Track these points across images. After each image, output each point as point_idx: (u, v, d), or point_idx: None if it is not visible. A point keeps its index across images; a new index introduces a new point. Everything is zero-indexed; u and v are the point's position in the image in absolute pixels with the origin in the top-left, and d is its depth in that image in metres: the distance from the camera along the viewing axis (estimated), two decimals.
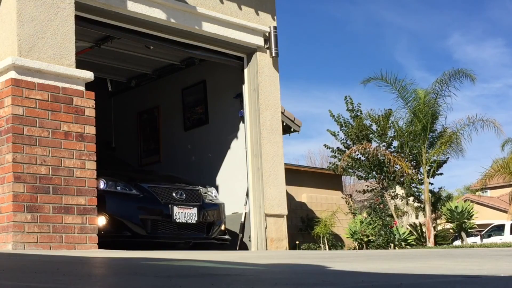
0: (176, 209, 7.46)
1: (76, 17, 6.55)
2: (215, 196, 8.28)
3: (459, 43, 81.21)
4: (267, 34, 8.64)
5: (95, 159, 6.32)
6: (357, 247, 13.37)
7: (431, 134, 14.55)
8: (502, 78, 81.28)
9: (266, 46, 8.66)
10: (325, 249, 13.17)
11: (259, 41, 8.57)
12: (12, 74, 5.95)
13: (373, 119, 15.54)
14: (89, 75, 6.42)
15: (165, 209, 7.42)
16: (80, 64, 6.55)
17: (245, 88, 8.75)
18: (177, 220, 7.45)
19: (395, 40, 75.31)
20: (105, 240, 6.72)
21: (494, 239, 24.39)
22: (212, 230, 7.89)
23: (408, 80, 14.48)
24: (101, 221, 6.78)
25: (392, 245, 12.69)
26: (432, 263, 3.55)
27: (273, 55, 8.65)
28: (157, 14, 7.48)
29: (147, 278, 2.61)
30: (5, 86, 5.97)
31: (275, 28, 8.66)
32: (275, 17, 8.85)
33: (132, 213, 7.28)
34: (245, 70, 8.74)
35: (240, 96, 8.94)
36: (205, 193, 8.07)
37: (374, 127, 15.76)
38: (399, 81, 14.09)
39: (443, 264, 3.44)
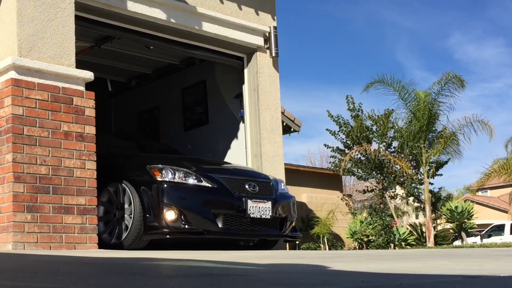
0: (250, 203, 6.85)
1: (76, 17, 6.55)
2: (284, 189, 7.71)
3: (459, 43, 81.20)
4: (267, 34, 8.64)
5: (95, 159, 6.32)
6: (357, 247, 13.37)
7: (431, 134, 14.57)
8: (503, 77, 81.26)
9: (266, 46, 8.67)
10: (325, 249, 13.17)
11: (259, 41, 8.58)
12: (12, 74, 5.95)
13: (373, 120, 15.56)
14: (89, 75, 6.42)
15: (239, 203, 6.81)
16: (80, 64, 6.55)
17: (245, 88, 8.75)
18: (251, 215, 6.83)
19: (396, 40, 75.32)
20: (174, 237, 6.44)
21: (494, 239, 24.39)
22: (285, 226, 7.32)
23: (407, 81, 14.53)
24: (170, 215, 6.38)
25: (392, 245, 12.70)
26: (432, 263, 3.55)
27: (273, 55, 8.66)
28: (157, 14, 7.48)
29: (147, 278, 2.61)
30: (5, 86, 5.97)
31: (275, 28, 8.67)
32: (275, 17, 8.85)
33: (204, 207, 6.67)
34: (245, 70, 8.74)
35: (240, 96, 8.94)
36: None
37: (374, 127, 15.78)
38: (397, 82, 14.11)
39: (443, 264, 3.44)
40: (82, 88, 6.37)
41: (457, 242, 17.89)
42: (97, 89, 6.69)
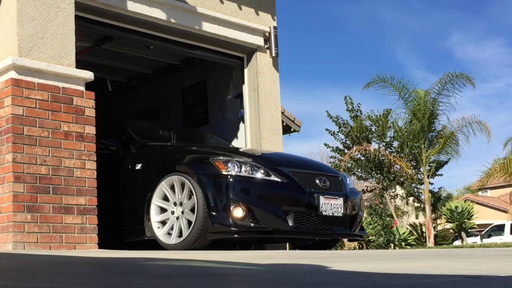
0: (322, 200, 6.32)
1: (76, 17, 6.55)
2: (351, 184, 7.21)
3: (460, 43, 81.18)
4: (267, 34, 8.64)
5: (95, 159, 6.32)
6: (357, 247, 13.36)
7: (431, 134, 14.58)
8: (503, 77, 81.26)
9: (266, 46, 8.67)
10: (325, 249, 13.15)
11: (259, 41, 8.58)
12: (12, 74, 5.95)
13: (373, 120, 15.56)
14: (89, 75, 6.42)
15: (311, 199, 6.27)
16: (80, 64, 6.55)
17: (245, 88, 8.75)
18: (323, 213, 6.32)
19: (396, 40, 75.29)
20: (242, 236, 6.03)
21: (494, 239, 24.42)
22: (355, 225, 6.81)
23: (407, 80, 14.55)
24: (238, 212, 5.91)
25: (392, 245, 12.70)
26: (432, 263, 3.55)
27: (273, 55, 8.66)
28: (157, 14, 7.48)
29: (147, 278, 2.61)
30: (5, 86, 5.97)
31: (275, 28, 8.67)
32: (275, 17, 8.85)
33: (274, 204, 6.13)
34: (245, 70, 8.74)
35: (240, 96, 8.94)
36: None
37: (373, 127, 15.78)
38: (398, 81, 14.12)
39: (443, 264, 3.44)
40: (82, 88, 6.37)
41: (457, 242, 17.90)
42: (97, 89, 6.70)
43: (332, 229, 6.52)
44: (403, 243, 12.88)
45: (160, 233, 6.27)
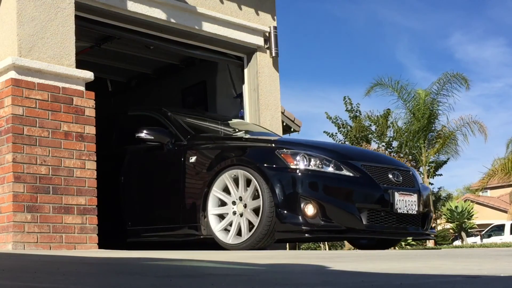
0: (397, 196, 5.86)
1: (76, 17, 6.55)
2: (420, 180, 6.76)
3: (460, 43, 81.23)
4: (267, 34, 8.65)
5: (95, 159, 6.32)
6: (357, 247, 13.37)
7: (430, 134, 14.58)
8: (503, 77, 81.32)
9: (266, 46, 8.67)
10: (325, 249, 13.16)
11: (259, 41, 8.58)
12: (12, 74, 5.96)
13: (372, 120, 15.57)
14: (89, 75, 6.43)
15: (386, 196, 5.80)
16: (80, 64, 6.55)
17: (245, 88, 8.75)
18: (398, 210, 5.86)
19: (396, 40, 75.32)
20: (314, 236, 5.61)
21: (494, 239, 24.42)
22: (427, 223, 6.36)
23: (405, 81, 14.58)
24: (309, 210, 5.44)
25: None
26: (432, 263, 3.56)
27: (273, 55, 8.66)
28: (157, 14, 7.48)
29: (147, 278, 2.61)
30: (5, 86, 5.97)
31: (275, 28, 8.67)
32: (275, 17, 8.85)
33: (347, 201, 5.67)
34: (245, 70, 8.74)
35: (240, 96, 8.94)
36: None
37: (373, 127, 15.79)
38: (396, 82, 14.14)
39: (443, 264, 3.44)
40: (82, 88, 6.38)
41: (457, 242, 17.90)
42: (97, 89, 6.70)
43: (406, 228, 6.07)
44: (403, 243, 12.88)
45: (217, 227, 5.84)
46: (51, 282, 2.43)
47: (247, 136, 7.07)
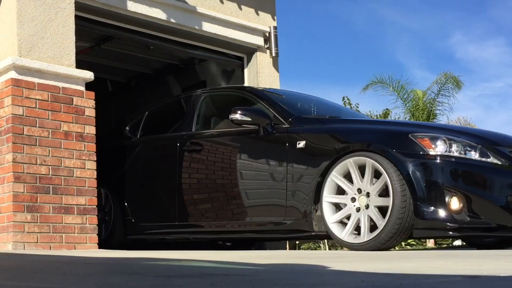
0: None
1: (76, 17, 6.56)
2: None
3: (460, 43, 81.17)
4: (267, 34, 8.65)
5: (95, 159, 6.32)
6: None
7: None
8: (504, 77, 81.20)
9: (266, 46, 8.67)
10: (325, 249, 13.16)
11: (259, 41, 8.58)
12: (12, 74, 5.96)
13: None
14: (89, 75, 6.43)
15: None
16: (80, 64, 6.55)
17: None
18: None
19: (396, 39, 75.27)
20: (460, 234, 4.94)
21: None
22: None
23: (405, 80, 14.60)
24: (455, 204, 4.72)
25: None
26: (432, 263, 3.55)
27: (273, 55, 8.66)
28: (157, 14, 7.48)
29: (147, 278, 2.61)
30: (5, 86, 5.97)
31: (275, 28, 8.67)
32: (275, 17, 8.86)
33: (497, 193, 4.87)
34: (245, 70, 8.74)
35: None
36: None
37: None
38: (396, 81, 14.17)
39: (443, 264, 3.44)
40: (82, 88, 6.38)
41: (457, 242, 17.88)
42: (97, 89, 6.70)
43: None
44: (403, 243, 12.88)
45: (332, 218, 5.13)
46: (51, 282, 2.43)
47: (364, 119, 6.23)
